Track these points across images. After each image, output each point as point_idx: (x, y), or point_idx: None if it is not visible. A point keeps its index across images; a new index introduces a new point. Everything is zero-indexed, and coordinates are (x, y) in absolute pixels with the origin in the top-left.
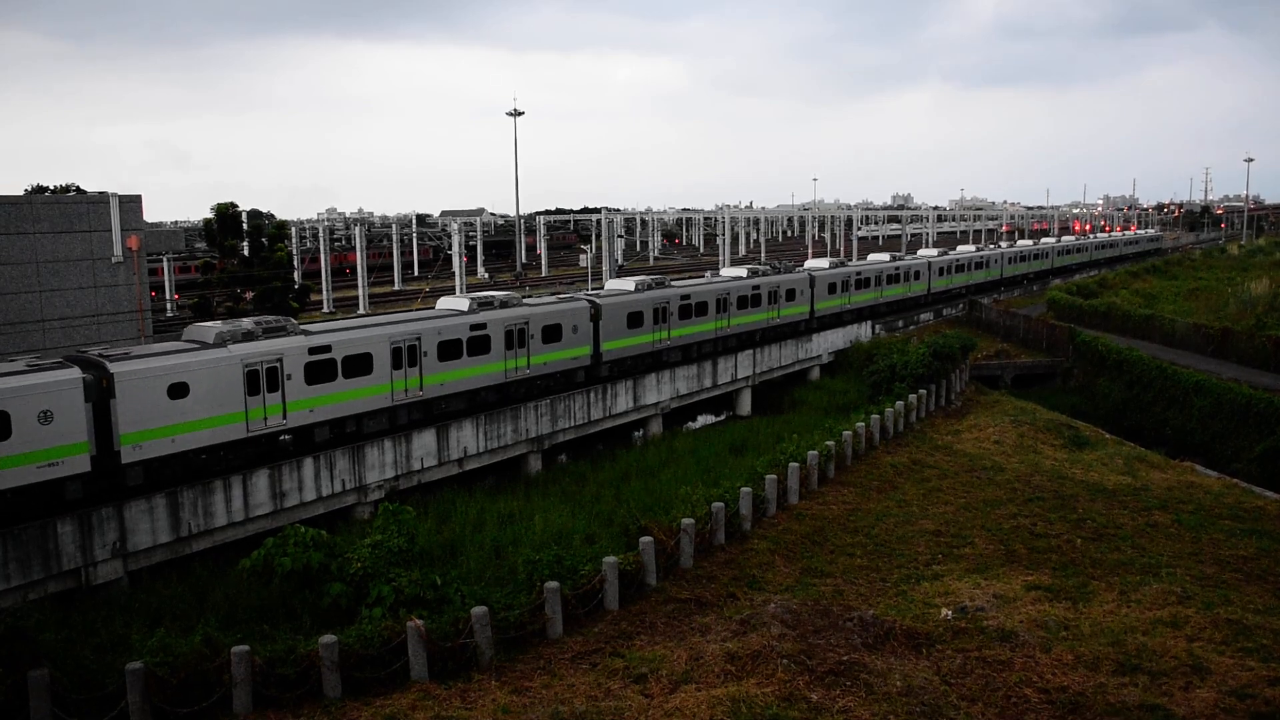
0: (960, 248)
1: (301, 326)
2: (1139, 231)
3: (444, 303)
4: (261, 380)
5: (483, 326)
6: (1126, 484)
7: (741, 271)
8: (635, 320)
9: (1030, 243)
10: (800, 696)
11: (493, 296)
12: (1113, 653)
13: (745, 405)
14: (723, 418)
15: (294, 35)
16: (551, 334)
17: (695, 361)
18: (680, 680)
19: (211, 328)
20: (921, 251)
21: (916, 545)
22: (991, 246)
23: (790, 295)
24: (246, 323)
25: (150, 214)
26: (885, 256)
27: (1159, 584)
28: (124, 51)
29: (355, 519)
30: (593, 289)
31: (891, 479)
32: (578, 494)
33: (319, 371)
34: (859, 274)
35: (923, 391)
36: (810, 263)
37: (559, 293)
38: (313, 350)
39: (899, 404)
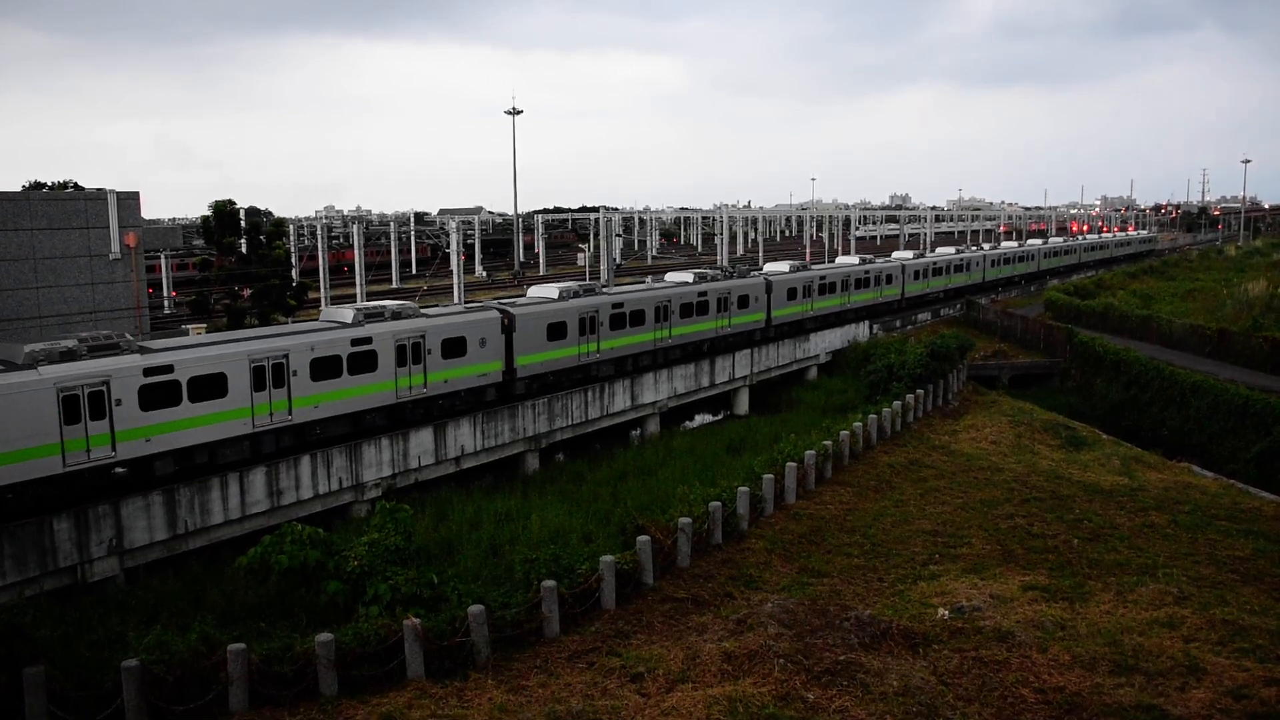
0: (940, 249)
1: (141, 344)
2: (1131, 233)
3: (328, 314)
4: (83, 406)
5: (367, 341)
6: (1123, 484)
7: (687, 276)
8: (557, 331)
9: (1015, 244)
10: (797, 696)
11: (384, 307)
12: (1109, 653)
13: (743, 405)
14: (720, 417)
15: (294, 33)
16: (454, 348)
17: (693, 360)
18: (677, 679)
19: (24, 346)
20: (896, 254)
21: (913, 545)
22: (973, 248)
23: (743, 302)
24: (69, 340)
25: (153, 211)
26: (854, 259)
27: (1155, 584)
28: (124, 49)
29: (352, 517)
30: (507, 297)
31: (889, 479)
32: (575, 493)
33: (158, 395)
34: (823, 278)
35: (920, 391)
36: (770, 266)
37: (471, 301)
38: (150, 371)
39: (896, 404)
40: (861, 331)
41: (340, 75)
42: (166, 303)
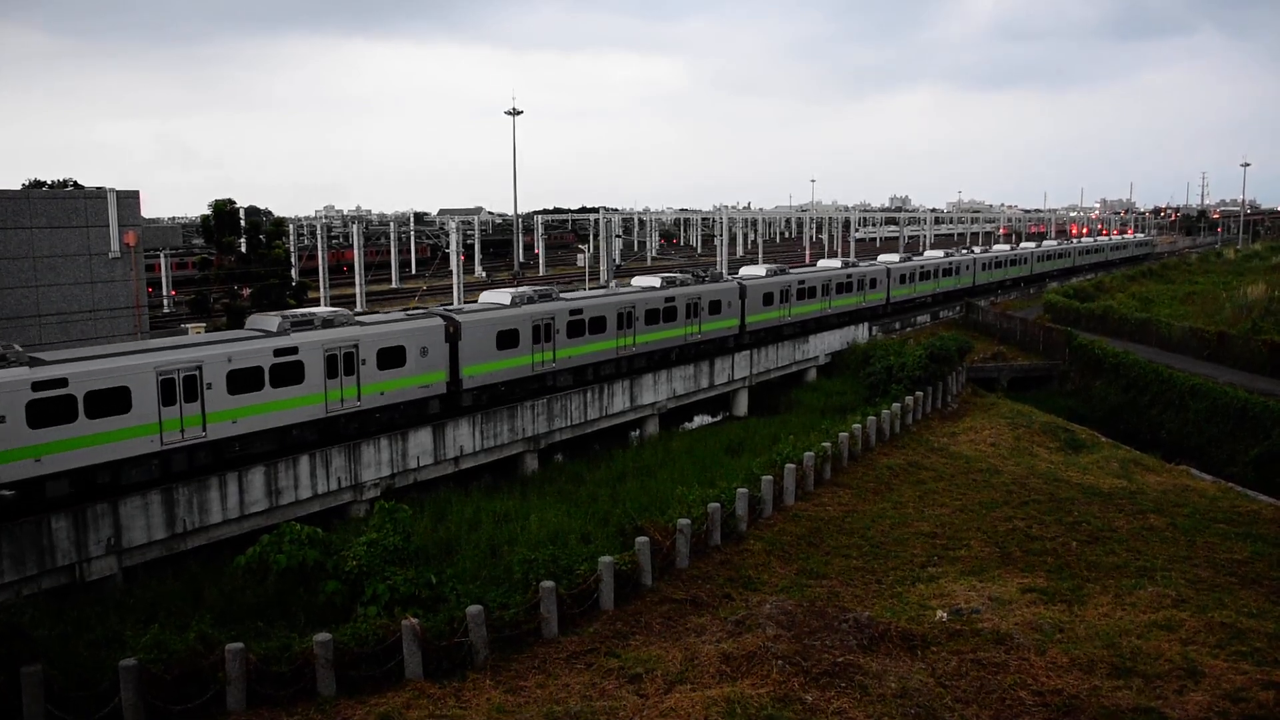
0: (928, 252)
1: (34, 355)
2: (1127, 235)
3: (253, 321)
4: None
5: (293, 351)
6: (1122, 487)
7: (654, 281)
8: (508, 340)
9: (1007, 247)
10: (795, 698)
11: (313, 314)
12: (1107, 655)
13: (742, 406)
14: (719, 418)
15: (294, 34)
16: (391, 358)
17: (692, 361)
18: (675, 680)
19: None
20: (882, 257)
21: (912, 547)
22: (964, 251)
23: (714, 308)
24: None
25: (155, 210)
26: (836, 262)
27: (1154, 587)
28: (125, 49)
29: (351, 517)
30: (447, 304)
31: (888, 481)
32: (574, 494)
33: (50, 411)
34: (801, 282)
35: (919, 393)
36: (746, 270)
37: (413, 308)
38: (39, 385)
39: (895, 406)
40: (860, 333)
41: (340, 75)
42: (166, 301)
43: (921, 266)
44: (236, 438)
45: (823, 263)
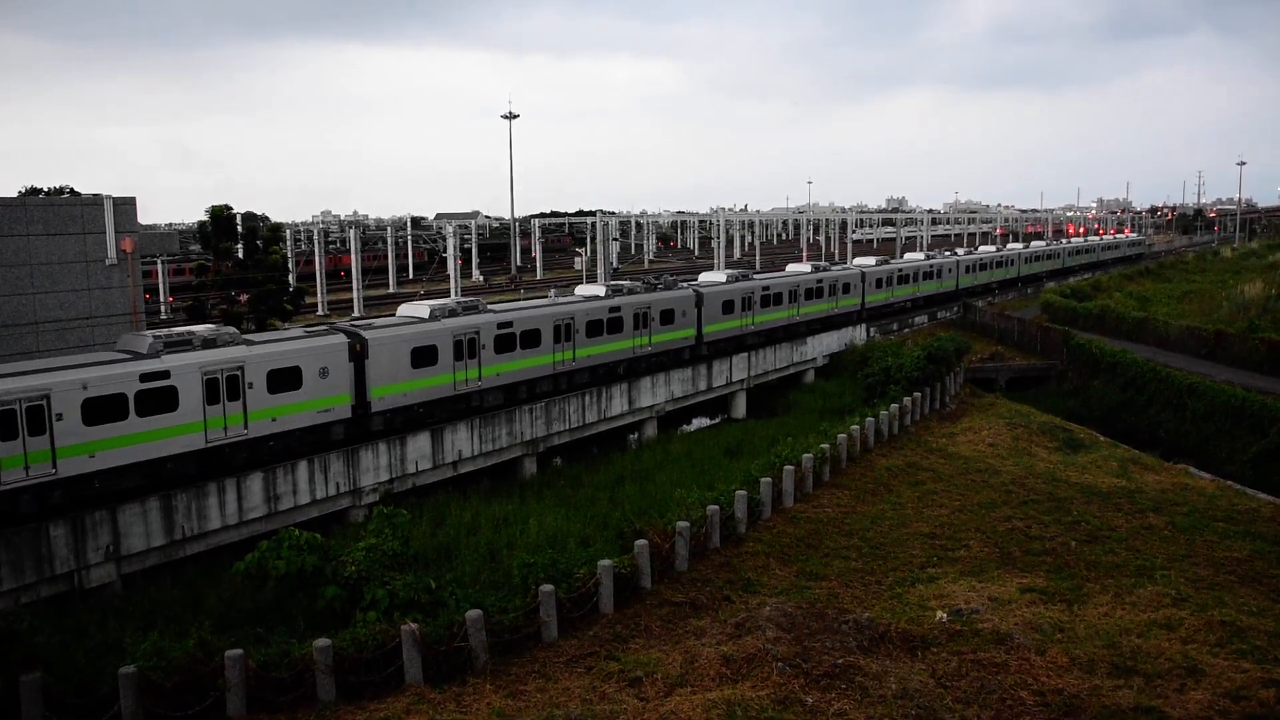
0: (908, 255)
1: None
2: (1120, 235)
3: (124, 342)
4: None
5: (163, 375)
6: (1121, 486)
7: (598, 289)
8: (425, 357)
9: (993, 249)
10: (795, 699)
11: (192, 333)
12: (1107, 655)
13: (740, 408)
14: (718, 420)
15: (291, 38)
16: (284, 380)
17: (689, 365)
18: (675, 683)
19: None
20: (857, 260)
21: (911, 548)
22: (946, 253)
23: (667, 317)
24: None
25: (157, 215)
26: (806, 267)
27: (1153, 586)
28: (121, 53)
29: (350, 522)
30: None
31: (886, 482)
32: (573, 497)
33: None
34: (766, 289)
35: (917, 394)
36: (705, 276)
37: (318, 324)
38: None
39: (894, 407)
40: (858, 334)
41: (338, 79)
42: (163, 308)
43: (900, 270)
44: (96, 474)
45: (792, 267)
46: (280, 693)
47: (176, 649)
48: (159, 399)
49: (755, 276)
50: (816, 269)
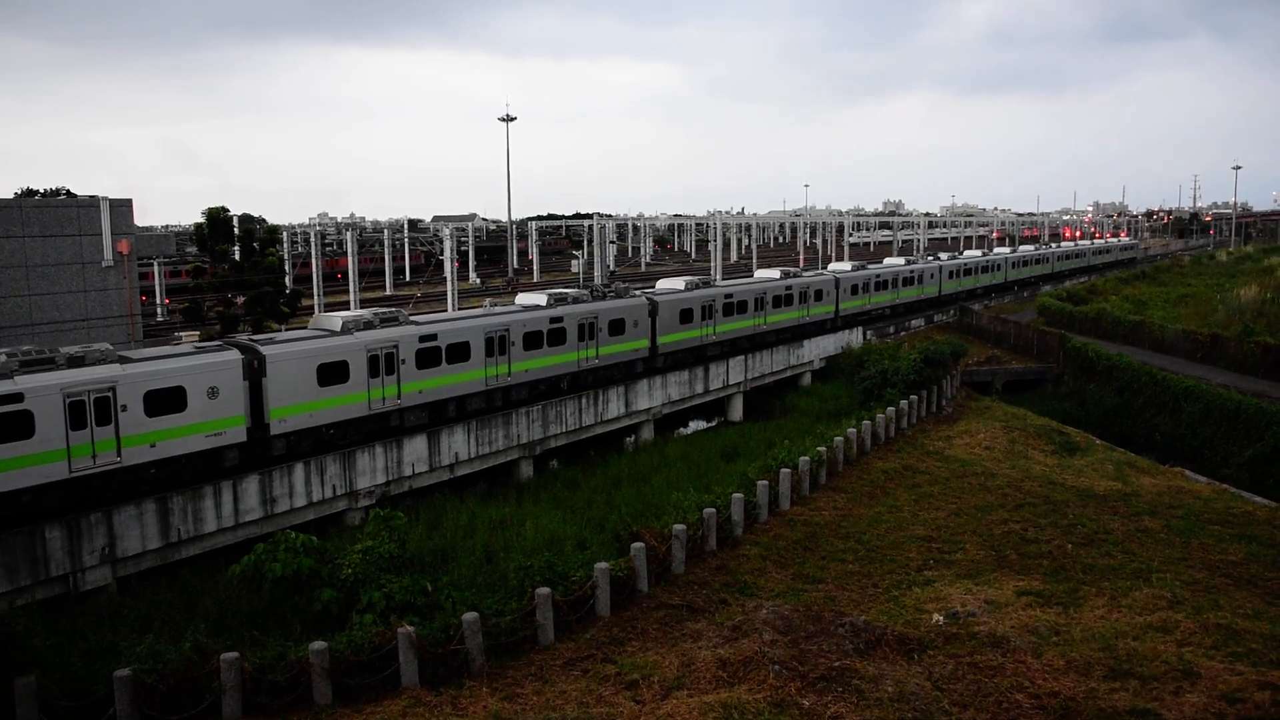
0: (887, 260)
1: None
2: (1112, 239)
3: None
4: None
5: (15, 399)
6: (1117, 489)
7: (539, 298)
8: (334, 374)
9: (979, 253)
10: (792, 703)
11: (56, 351)
12: (1103, 658)
13: (737, 411)
14: (714, 423)
15: (290, 40)
16: (166, 401)
17: (686, 368)
18: (672, 686)
19: None
20: (832, 265)
21: (908, 551)
22: (929, 258)
23: (617, 328)
24: None
25: (157, 217)
26: (775, 273)
27: (1149, 589)
28: (119, 56)
29: (346, 525)
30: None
31: (883, 485)
32: (569, 499)
33: None
34: (729, 296)
35: (914, 397)
36: (662, 283)
37: (203, 339)
38: None
39: (890, 410)
40: (855, 337)
41: (337, 81)
42: (159, 310)
43: (878, 275)
44: None
45: (760, 273)
46: (276, 696)
47: (172, 652)
48: (11, 425)
49: (717, 284)
50: (786, 275)
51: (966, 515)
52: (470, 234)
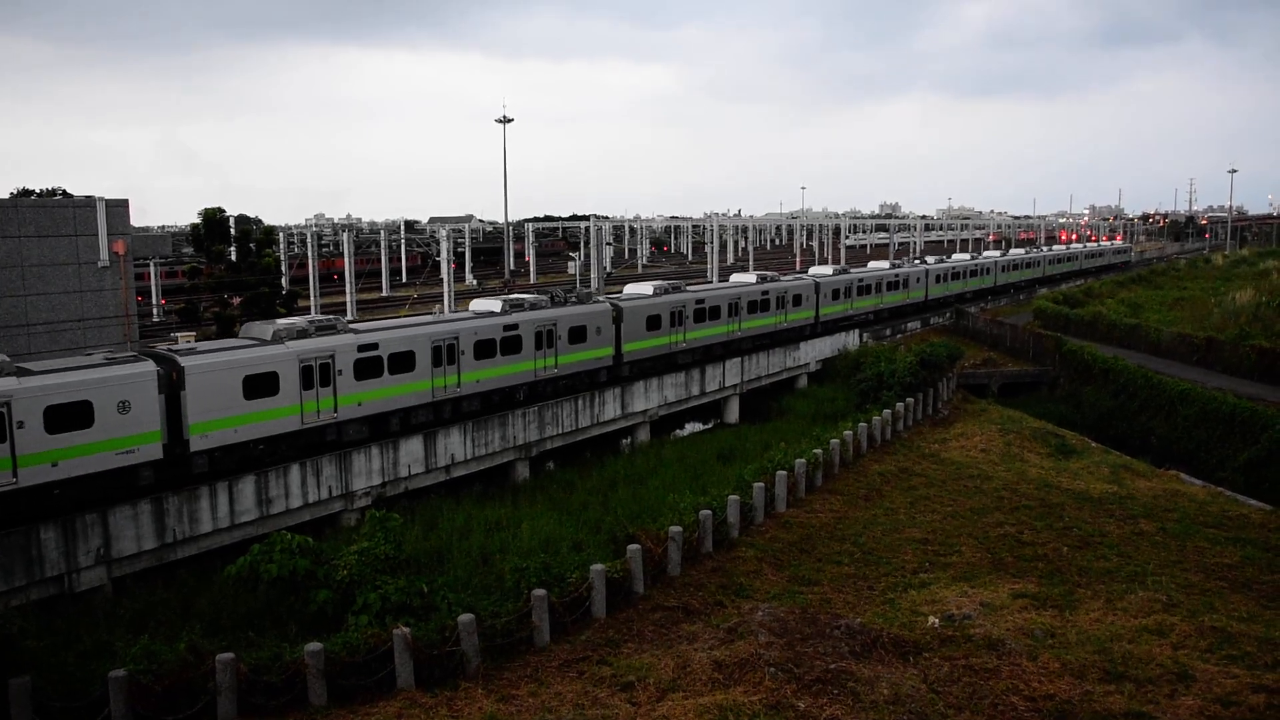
0: (871, 263)
1: None
2: (1104, 242)
3: None
4: None
5: None
6: (1112, 492)
7: (494, 304)
8: (263, 386)
9: (967, 257)
10: (788, 705)
11: None
12: (1099, 660)
13: (733, 413)
14: (710, 425)
15: (289, 41)
16: (69, 417)
17: (684, 369)
18: (667, 688)
19: None
20: (814, 269)
21: (904, 553)
22: (916, 262)
23: (577, 335)
24: None
25: (155, 218)
26: (751, 277)
27: (1145, 592)
28: (120, 57)
29: (342, 526)
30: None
31: (879, 487)
32: (565, 501)
33: None
34: (700, 302)
35: (910, 400)
36: (630, 288)
37: (106, 354)
38: None
39: (886, 412)
40: (851, 340)
41: (336, 82)
42: (155, 310)
43: (860, 280)
44: None
45: (735, 277)
46: (271, 697)
47: (167, 652)
48: None
49: (689, 288)
50: (762, 279)
51: (962, 518)
52: (467, 235)
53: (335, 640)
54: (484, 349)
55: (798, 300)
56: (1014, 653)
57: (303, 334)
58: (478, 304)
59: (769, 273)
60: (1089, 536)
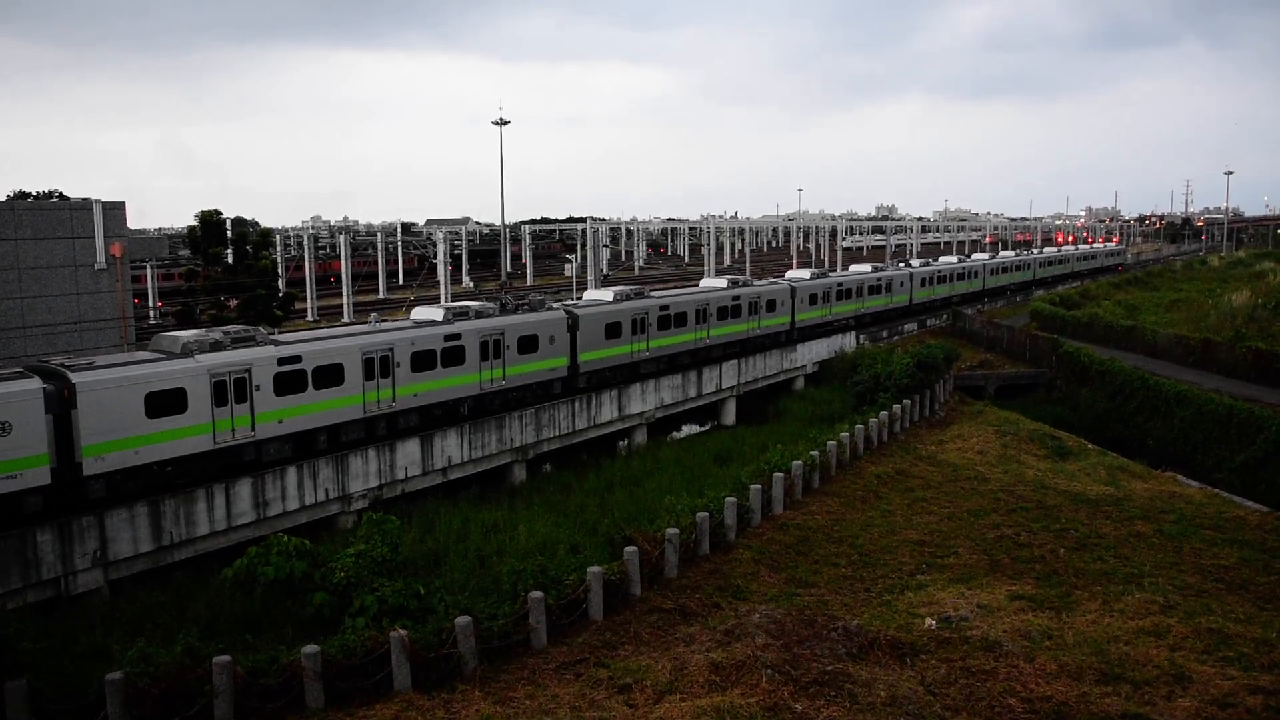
0: (853, 266)
1: None
2: (1097, 245)
3: None
4: None
5: None
6: (1109, 494)
7: (437, 313)
8: (169, 403)
9: (955, 259)
10: (785, 707)
11: None
12: (1096, 662)
13: (730, 415)
14: (707, 427)
15: (288, 44)
16: None
17: (680, 371)
18: (665, 690)
19: None
20: (790, 273)
21: (900, 555)
22: (900, 265)
23: (527, 345)
24: None
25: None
26: (721, 281)
27: (1141, 593)
28: (120, 59)
29: (339, 528)
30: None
31: (876, 489)
32: (562, 503)
33: None
34: (664, 308)
35: (907, 402)
36: (589, 294)
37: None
38: None
39: (883, 414)
40: (848, 342)
41: (334, 85)
42: (152, 313)
43: (840, 284)
44: None
45: (705, 282)
46: (268, 699)
47: (164, 655)
48: None
49: (652, 294)
50: (734, 284)
51: (959, 520)
52: (464, 238)
53: (332, 642)
54: (422, 360)
55: (771, 306)
56: (1011, 654)
57: (216, 346)
58: (419, 312)
59: (741, 277)
60: (1086, 538)
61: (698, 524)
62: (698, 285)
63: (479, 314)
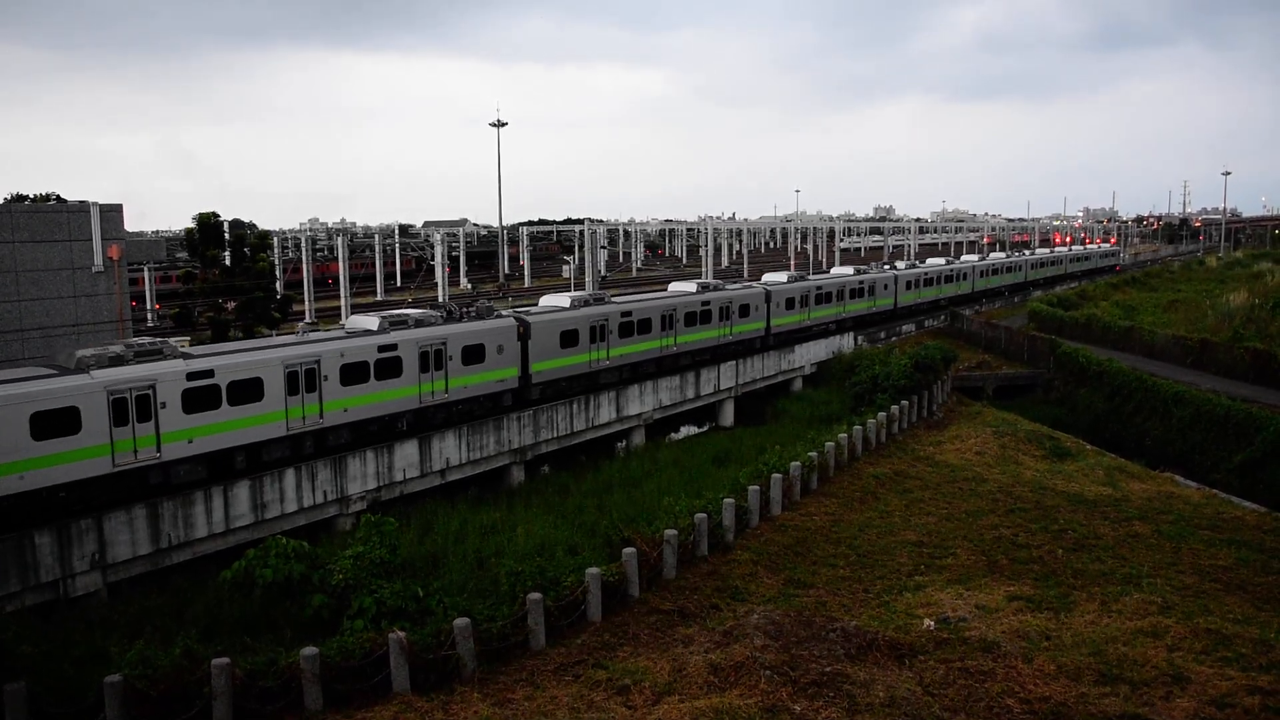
0: (835, 269)
1: None
2: (1092, 246)
3: None
4: None
5: None
6: (1107, 495)
7: (372, 322)
8: (59, 423)
9: (943, 261)
10: (783, 708)
11: None
12: (1094, 663)
13: (728, 416)
14: (705, 429)
15: (287, 46)
16: None
17: (679, 372)
18: (663, 691)
19: None
20: (767, 276)
21: (899, 556)
22: (886, 266)
23: (473, 355)
24: None
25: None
26: (691, 286)
27: (1139, 594)
28: (120, 62)
29: (337, 530)
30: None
31: (874, 490)
32: (560, 505)
33: None
34: (627, 315)
35: (905, 403)
36: (546, 300)
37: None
38: None
39: (881, 415)
40: (846, 343)
41: (333, 87)
42: (150, 316)
43: (819, 288)
44: None
45: (675, 286)
46: (267, 701)
47: (162, 658)
48: None
49: (614, 300)
50: (704, 288)
51: (957, 520)
52: (461, 239)
53: (331, 644)
54: (353, 373)
55: (745, 311)
56: (1009, 655)
57: (116, 361)
58: (353, 321)
59: (713, 281)
60: (1084, 539)
61: (696, 525)
62: (666, 290)
63: (419, 322)
